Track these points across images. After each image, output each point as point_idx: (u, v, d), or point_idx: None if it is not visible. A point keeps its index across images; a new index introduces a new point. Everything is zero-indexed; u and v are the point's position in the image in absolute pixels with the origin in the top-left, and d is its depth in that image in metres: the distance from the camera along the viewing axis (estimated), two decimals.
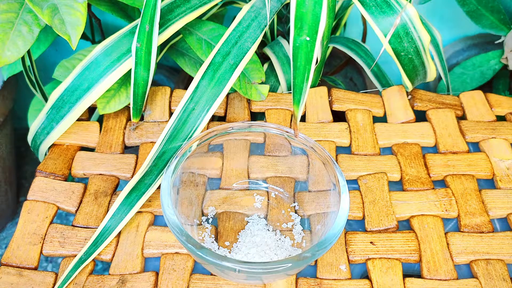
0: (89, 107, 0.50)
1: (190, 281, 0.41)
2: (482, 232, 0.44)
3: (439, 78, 0.70)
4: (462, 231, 0.44)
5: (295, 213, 0.46)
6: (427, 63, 0.53)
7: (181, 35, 0.58)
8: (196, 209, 0.45)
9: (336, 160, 0.49)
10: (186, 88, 0.48)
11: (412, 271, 0.42)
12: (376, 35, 0.50)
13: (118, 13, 0.57)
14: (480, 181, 0.49)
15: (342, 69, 0.73)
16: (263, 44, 0.63)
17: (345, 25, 0.73)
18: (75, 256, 0.42)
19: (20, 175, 0.89)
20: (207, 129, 0.48)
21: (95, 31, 0.66)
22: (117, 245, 0.43)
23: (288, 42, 0.53)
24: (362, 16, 0.62)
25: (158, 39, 0.48)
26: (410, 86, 0.55)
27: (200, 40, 0.53)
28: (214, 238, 0.43)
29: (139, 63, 0.47)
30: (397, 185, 0.48)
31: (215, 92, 0.47)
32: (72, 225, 0.44)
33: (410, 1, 0.50)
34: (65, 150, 0.50)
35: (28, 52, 0.51)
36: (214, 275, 0.41)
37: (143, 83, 0.49)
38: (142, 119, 0.53)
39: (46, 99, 0.55)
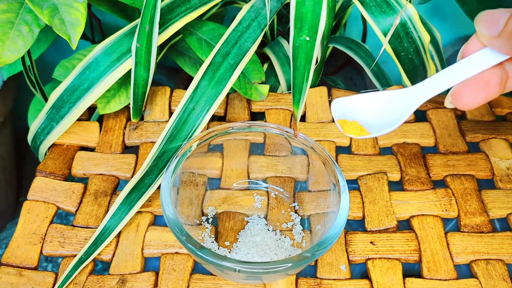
0: (89, 107, 0.50)
1: (190, 281, 0.41)
2: (482, 232, 0.44)
3: None
4: (462, 231, 0.44)
5: (295, 213, 0.46)
6: (427, 63, 0.53)
7: (181, 35, 0.58)
8: (196, 209, 0.45)
9: (336, 160, 0.49)
10: (186, 88, 0.48)
11: (412, 271, 0.42)
12: (376, 35, 0.50)
13: (118, 13, 0.57)
14: (480, 181, 0.48)
15: (342, 69, 0.73)
16: (263, 44, 0.63)
17: (345, 25, 0.73)
18: (75, 256, 0.42)
19: (20, 175, 0.89)
20: (207, 129, 0.48)
21: (95, 31, 0.66)
22: (117, 245, 0.43)
23: (288, 42, 0.53)
24: (362, 16, 0.62)
25: (158, 39, 0.48)
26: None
27: (200, 40, 0.53)
28: (214, 238, 0.43)
29: (139, 63, 0.47)
30: (397, 185, 0.48)
31: (215, 92, 0.47)
32: (72, 225, 0.44)
33: (410, 1, 0.50)
34: (65, 150, 0.50)
35: (28, 52, 0.51)
36: (214, 275, 0.41)
37: (143, 83, 0.49)
38: (142, 119, 0.53)
39: (46, 99, 0.55)
